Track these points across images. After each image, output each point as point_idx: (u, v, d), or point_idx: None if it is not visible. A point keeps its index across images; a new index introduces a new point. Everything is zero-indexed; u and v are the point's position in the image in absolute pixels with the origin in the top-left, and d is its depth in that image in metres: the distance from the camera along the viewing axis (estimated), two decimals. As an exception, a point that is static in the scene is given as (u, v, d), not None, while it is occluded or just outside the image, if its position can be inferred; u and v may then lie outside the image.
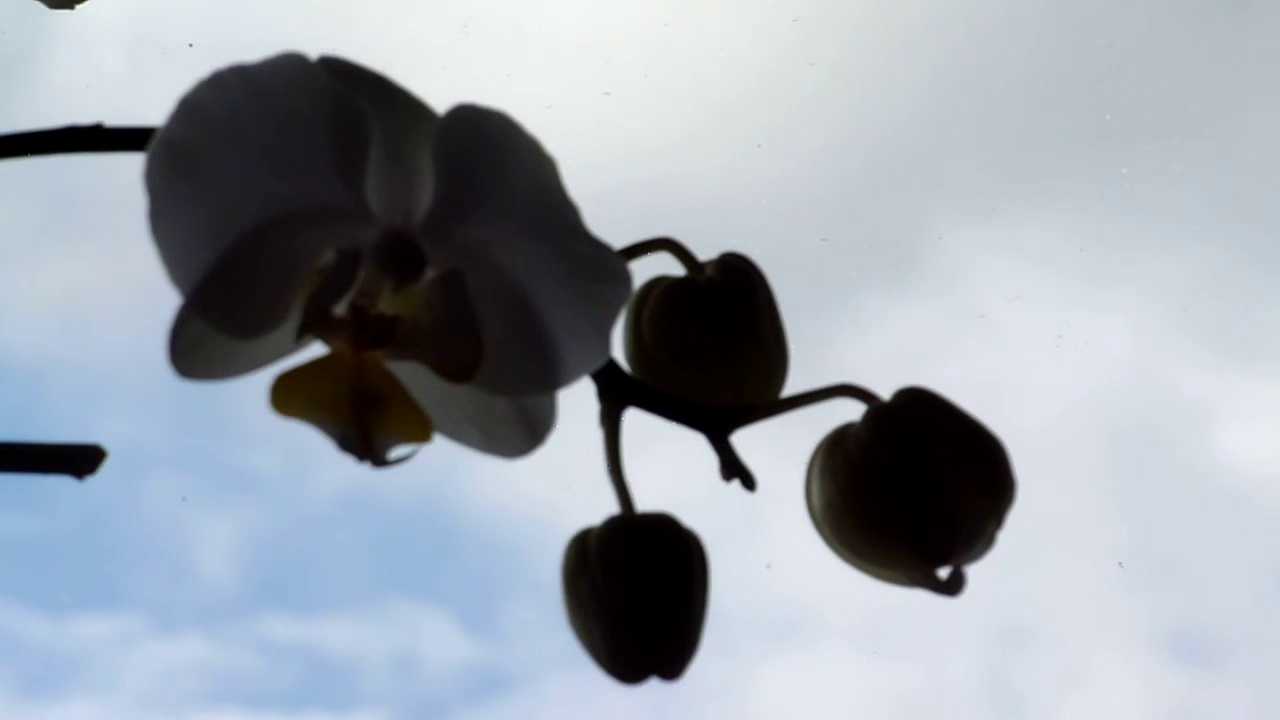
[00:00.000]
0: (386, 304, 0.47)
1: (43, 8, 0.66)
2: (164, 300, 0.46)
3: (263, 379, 0.47)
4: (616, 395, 0.54)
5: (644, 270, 0.57)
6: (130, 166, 0.47)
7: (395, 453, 0.47)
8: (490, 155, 0.46)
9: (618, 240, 0.51)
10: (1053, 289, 1.00)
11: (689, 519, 0.53)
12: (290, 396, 0.47)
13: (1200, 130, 1.02)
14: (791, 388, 0.56)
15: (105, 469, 0.56)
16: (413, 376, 0.48)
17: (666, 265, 0.57)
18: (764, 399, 0.55)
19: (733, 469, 0.53)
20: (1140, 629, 1.07)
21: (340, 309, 0.47)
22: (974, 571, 0.51)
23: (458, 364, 0.47)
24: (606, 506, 0.53)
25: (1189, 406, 1.07)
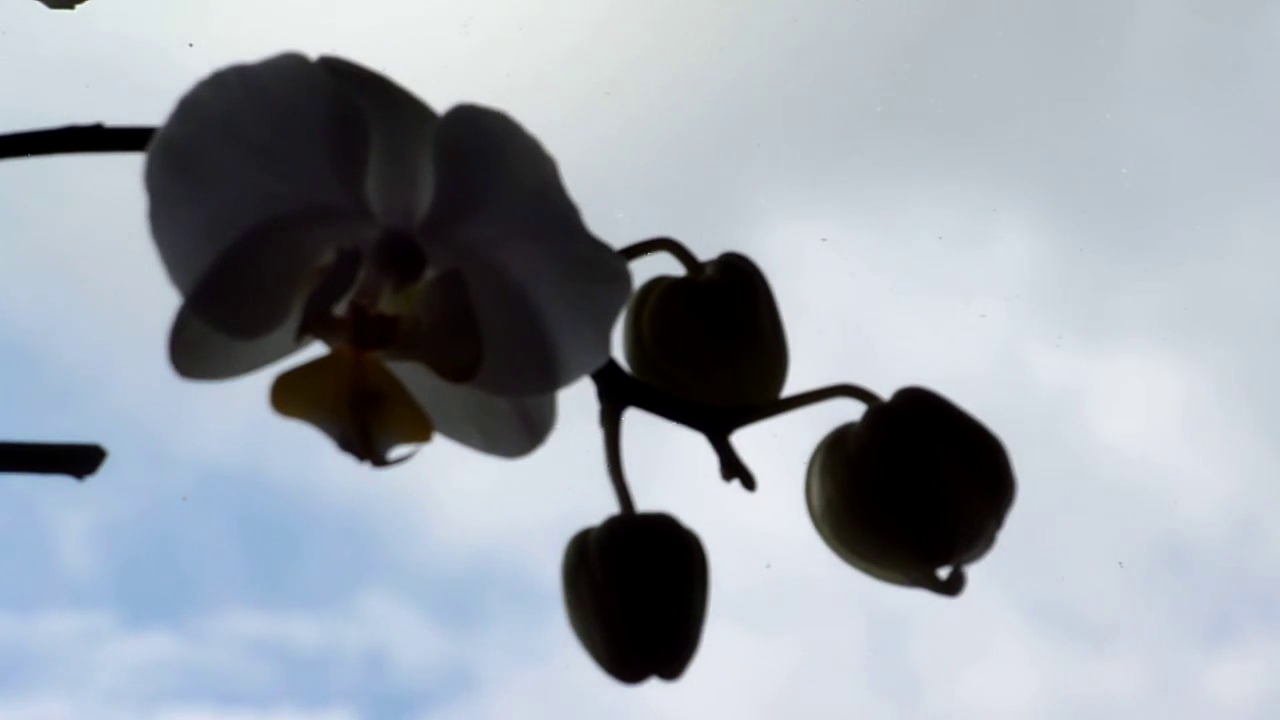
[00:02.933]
0: (386, 304, 0.47)
1: (42, 8, 0.66)
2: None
3: (263, 379, 0.48)
4: (616, 395, 0.54)
5: (644, 270, 0.57)
6: (130, 166, 0.47)
7: (395, 453, 0.47)
8: (490, 155, 0.46)
9: (618, 240, 0.51)
10: (913, 274, 1.00)
11: (689, 519, 0.53)
12: (290, 396, 0.47)
13: (1042, 113, 1.02)
14: (791, 388, 0.56)
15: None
16: (413, 376, 0.48)
17: (666, 265, 0.57)
18: (764, 399, 0.55)
19: (733, 469, 0.53)
20: (1022, 606, 1.07)
21: (340, 309, 0.47)
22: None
23: (458, 364, 0.47)
24: (606, 506, 0.53)
25: (1053, 388, 1.07)
